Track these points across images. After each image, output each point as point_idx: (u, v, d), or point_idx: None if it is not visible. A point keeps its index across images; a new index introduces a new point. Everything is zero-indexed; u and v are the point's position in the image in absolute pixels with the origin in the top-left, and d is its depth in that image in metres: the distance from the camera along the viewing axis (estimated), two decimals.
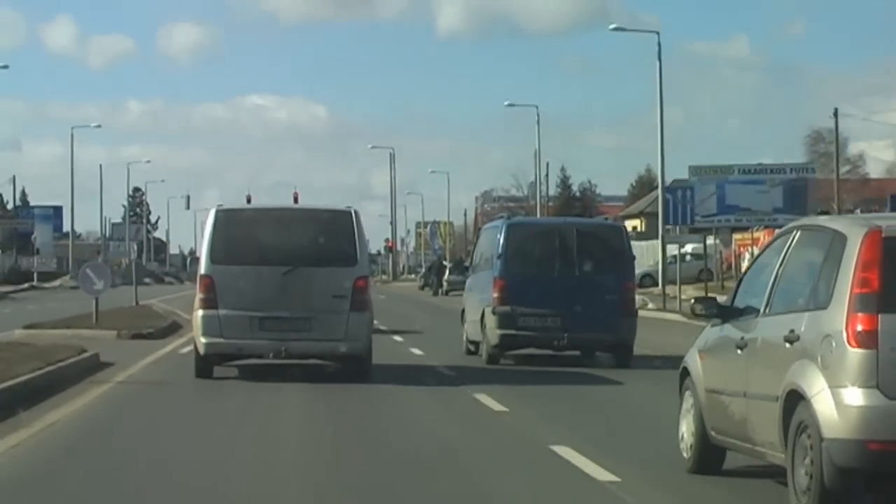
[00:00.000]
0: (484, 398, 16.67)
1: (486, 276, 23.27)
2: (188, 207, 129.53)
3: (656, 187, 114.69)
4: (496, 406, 15.98)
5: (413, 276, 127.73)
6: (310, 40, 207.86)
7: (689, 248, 58.68)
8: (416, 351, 25.19)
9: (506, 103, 79.32)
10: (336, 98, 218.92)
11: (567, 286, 22.33)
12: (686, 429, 11.14)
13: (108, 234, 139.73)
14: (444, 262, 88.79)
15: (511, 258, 22.62)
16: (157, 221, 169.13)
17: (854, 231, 9.09)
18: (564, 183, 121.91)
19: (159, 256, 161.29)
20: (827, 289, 9.06)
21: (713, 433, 10.65)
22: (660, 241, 58.73)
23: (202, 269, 19.23)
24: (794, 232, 10.15)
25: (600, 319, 22.05)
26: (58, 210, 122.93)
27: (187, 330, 25.99)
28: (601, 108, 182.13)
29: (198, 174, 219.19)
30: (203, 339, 18.79)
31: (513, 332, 22.25)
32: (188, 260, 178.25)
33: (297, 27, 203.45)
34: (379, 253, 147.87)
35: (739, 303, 10.59)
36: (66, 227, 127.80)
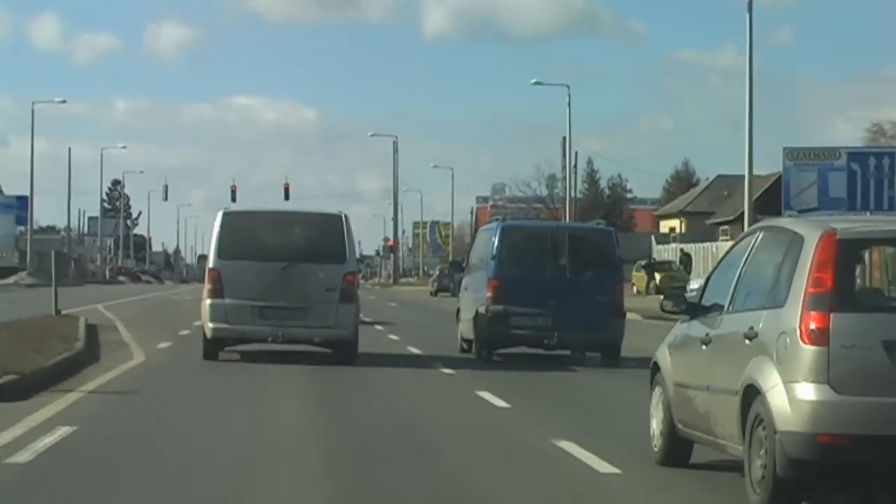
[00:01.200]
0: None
1: (481, 277, 24.01)
2: (165, 198, 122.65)
3: (695, 183, 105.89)
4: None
5: (412, 278, 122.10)
6: (296, 41, 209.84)
7: None
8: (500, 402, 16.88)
9: (532, 81, 71.44)
10: (324, 99, 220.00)
11: (558, 287, 23.03)
12: (655, 421, 11.53)
13: (84, 229, 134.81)
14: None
15: (504, 259, 23.35)
16: (137, 216, 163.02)
17: (811, 233, 9.46)
18: (592, 178, 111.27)
19: (139, 254, 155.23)
20: (784, 288, 9.44)
21: (680, 426, 11.03)
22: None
23: (210, 263, 21.82)
24: (758, 232, 10.54)
25: (589, 320, 22.76)
26: (22, 200, 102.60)
27: (114, 360, 21.37)
28: (589, 114, 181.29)
29: (185, 173, 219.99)
30: (210, 325, 21.39)
31: (505, 330, 22.97)
32: (171, 258, 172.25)
33: (283, 27, 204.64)
34: (378, 253, 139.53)
35: (706, 300, 10.97)
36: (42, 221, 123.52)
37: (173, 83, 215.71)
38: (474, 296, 24.23)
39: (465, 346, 24.84)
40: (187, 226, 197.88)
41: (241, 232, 21.68)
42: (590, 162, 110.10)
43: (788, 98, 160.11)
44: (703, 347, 10.54)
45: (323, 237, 21.74)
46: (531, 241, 24.18)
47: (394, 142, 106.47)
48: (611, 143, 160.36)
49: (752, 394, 9.45)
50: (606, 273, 23.48)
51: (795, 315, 9.16)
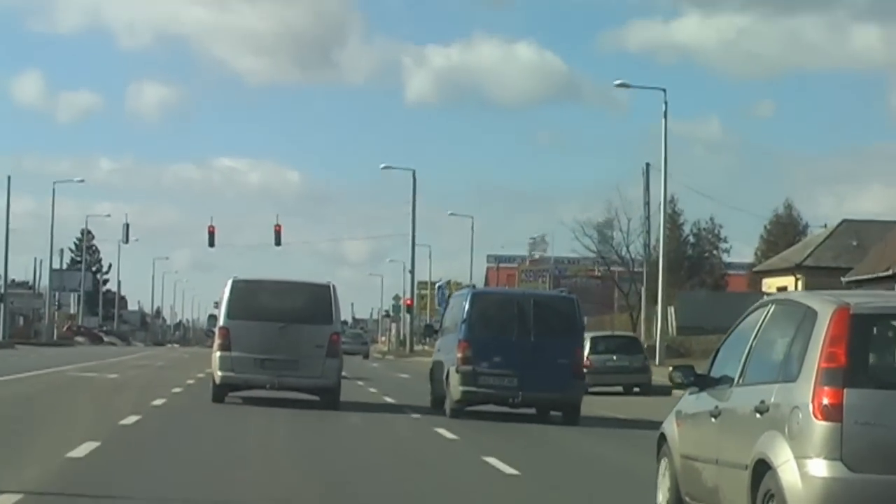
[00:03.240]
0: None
1: (453, 339, 25.82)
2: (126, 241, 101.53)
3: (803, 231, 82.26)
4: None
5: (426, 346, 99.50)
6: (277, 103, 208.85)
7: None
8: None
9: (616, 82, 56.97)
10: (307, 162, 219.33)
11: (523, 350, 24.74)
12: (662, 494, 11.42)
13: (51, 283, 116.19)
14: None
15: (474, 323, 25.16)
16: (107, 270, 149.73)
17: (824, 308, 9.40)
18: (674, 221, 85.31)
19: (109, 312, 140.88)
20: (797, 362, 9.36)
21: (687, 499, 10.93)
22: None
23: (220, 321, 26.00)
24: (770, 305, 10.47)
25: (552, 380, 24.59)
26: None
27: None
28: (575, 182, 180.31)
29: (168, 233, 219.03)
30: (219, 373, 25.43)
31: (473, 389, 24.72)
32: (147, 317, 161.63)
33: (263, 90, 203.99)
34: (387, 314, 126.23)
35: (716, 372, 10.89)
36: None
37: (157, 143, 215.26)
38: (446, 356, 26.02)
39: (439, 403, 26.31)
40: (166, 285, 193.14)
41: (247, 297, 25.71)
42: (672, 201, 78.25)
43: (771, 170, 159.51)
44: (713, 420, 10.44)
45: (314, 303, 25.72)
46: (499, 306, 26.00)
47: (413, 173, 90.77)
48: (593, 208, 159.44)
49: (762, 469, 9.36)
50: (568, 337, 25.23)
51: (808, 390, 9.08)
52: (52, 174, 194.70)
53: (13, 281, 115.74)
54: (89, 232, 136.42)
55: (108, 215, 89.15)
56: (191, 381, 34.78)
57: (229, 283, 26.03)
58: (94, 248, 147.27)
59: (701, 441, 10.67)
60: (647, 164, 60.62)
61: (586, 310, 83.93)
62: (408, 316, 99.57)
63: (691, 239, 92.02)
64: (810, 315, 9.52)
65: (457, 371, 24.74)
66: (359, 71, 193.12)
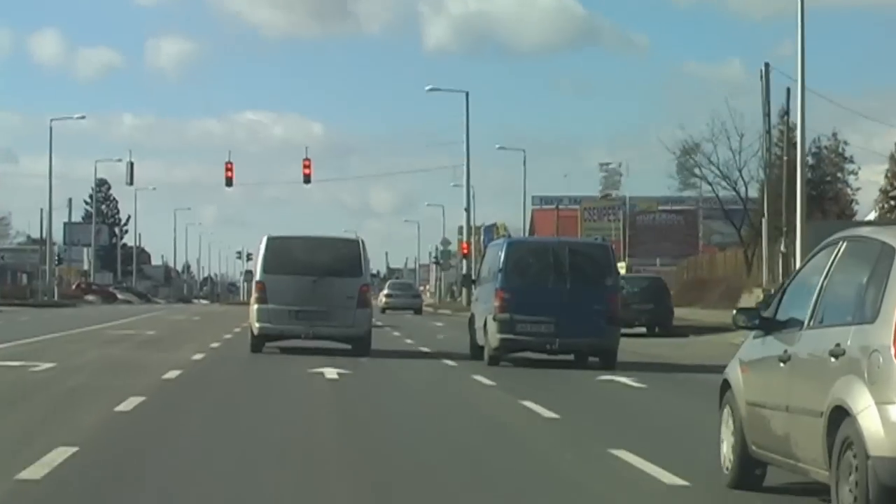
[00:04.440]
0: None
1: (490, 288, 26.14)
2: (131, 182, 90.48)
3: None
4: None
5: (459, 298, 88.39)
6: (296, 56, 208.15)
7: None
8: None
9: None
10: (331, 114, 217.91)
11: (559, 297, 25.07)
12: (726, 443, 10.89)
13: (64, 238, 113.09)
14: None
15: (510, 272, 25.51)
16: (126, 223, 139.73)
17: None
18: (787, 137, 55.60)
19: (128, 268, 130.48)
20: (874, 302, 8.82)
21: (754, 448, 10.40)
22: None
23: (257, 276, 27.29)
24: (840, 243, 9.90)
25: (588, 327, 24.95)
26: None
27: None
28: (596, 128, 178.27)
29: (195, 189, 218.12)
30: (257, 325, 26.80)
31: (511, 336, 25.02)
32: (172, 272, 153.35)
33: (281, 42, 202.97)
34: (436, 260, 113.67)
35: (782, 315, 10.34)
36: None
37: (178, 98, 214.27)
38: (484, 306, 26.36)
39: (477, 352, 26.61)
40: (193, 240, 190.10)
41: (281, 253, 27.14)
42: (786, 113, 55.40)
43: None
44: (782, 365, 9.89)
45: (344, 257, 27.28)
46: (534, 254, 26.43)
47: (466, 95, 78.93)
48: (620, 155, 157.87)
49: (840, 416, 8.83)
50: (603, 284, 25.52)
51: (889, 332, 8.53)
52: (72, 132, 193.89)
53: (28, 237, 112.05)
54: (104, 182, 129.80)
55: (119, 159, 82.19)
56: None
57: (264, 239, 27.56)
58: (112, 198, 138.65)
59: (769, 387, 10.13)
60: (767, 64, 50.79)
61: (665, 250, 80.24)
62: (464, 262, 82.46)
63: (810, 160, 68.76)
64: (887, 251, 8.97)
65: (494, 319, 25.05)
66: (376, 21, 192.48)
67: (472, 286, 30.46)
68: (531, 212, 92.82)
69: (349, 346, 27.01)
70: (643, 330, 42.65)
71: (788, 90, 48.86)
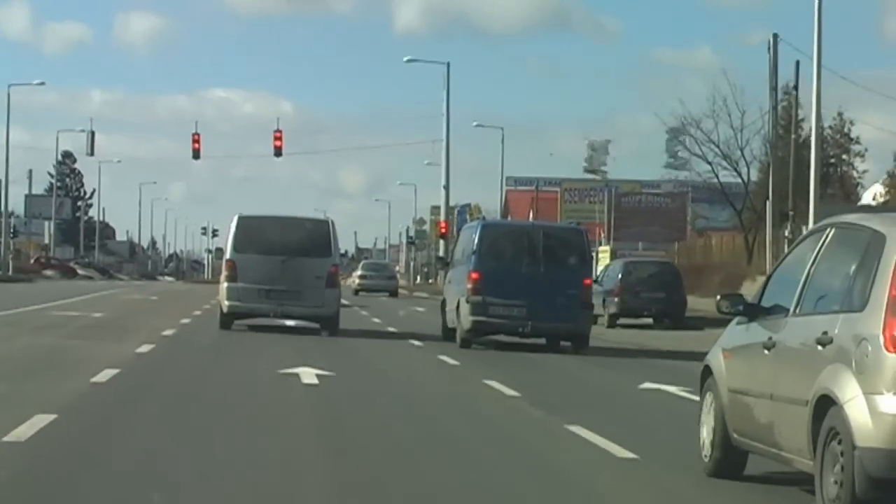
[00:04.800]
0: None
1: (463, 270, 25.90)
2: (91, 153, 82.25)
3: None
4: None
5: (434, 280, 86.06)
6: (267, 34, 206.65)
7: None
8: None
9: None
10: (301, 93, 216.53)
11: (533, 280, 24.87)
12: (706, 430, 10.74)
13: (26, 211, 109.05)
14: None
15: (484, 254, 25.32)
16: (90, 196, 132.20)
17: (894, 231, 8.71)
18: (790, 115, 55.53)
19: (91, 242, 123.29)
20: (863, 291, 8.68)
21: (735, 435, 10.25)
22: None
23: (227, 255, 27.87)
24: (828, 229, 9.76)
25: (561, 311, 24.73)
26: None
27: None
28: (567, 112, 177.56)
29: (163, 165, 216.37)
30: (226, 303, 27.16)
31: (483, 319, 24.83)
32: (136, 248, 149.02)
33: (252, 20, 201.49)
34: (410, 240, 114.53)
35: (767, 301, 10.20)
36: None
37: (147, 74, 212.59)
38: (456, 288, 26.21)
39: (450, 334, 26.48)
40: (161, 217, 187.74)
41: (252, 232, 27.48)
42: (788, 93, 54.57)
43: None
44: (766, 352, 9.75)
45: (313, 237, 27.51)
46: (509, 237, 26.36)
47: (447, 66, 72.79)
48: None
49: (826, 405, 8.69)
50: (577, 268, 25.47)
51: (878, 321, 8.40)
52: (40, 105, 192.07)
53: None
54: (69, 154, 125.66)
55: (83, 130, 79.63)
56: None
57: (235, 218, 27.93)
58: (77, 172, 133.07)
59: (752, 374, 9.98)
60: (776, 35, 46.82)
61: (651, 234, 76.18)
62: (441, 242, 76.38)
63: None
64: (877, 239, 8.82)
65: (467, 301, 24.93)
66: (346, 0, 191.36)
67: (446, 268, 30.34)
68: (505, 193, 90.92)
69: (318, 325, 27.32)
70: (649, 321, 39.20)
71: (798, 63, 46.92)
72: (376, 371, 20.29)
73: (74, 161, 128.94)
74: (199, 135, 72.23)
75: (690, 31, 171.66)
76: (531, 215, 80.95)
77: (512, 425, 13.89)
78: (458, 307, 25.50)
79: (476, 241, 25.57)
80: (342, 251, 59.48)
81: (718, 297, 10.62)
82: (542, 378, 20.22)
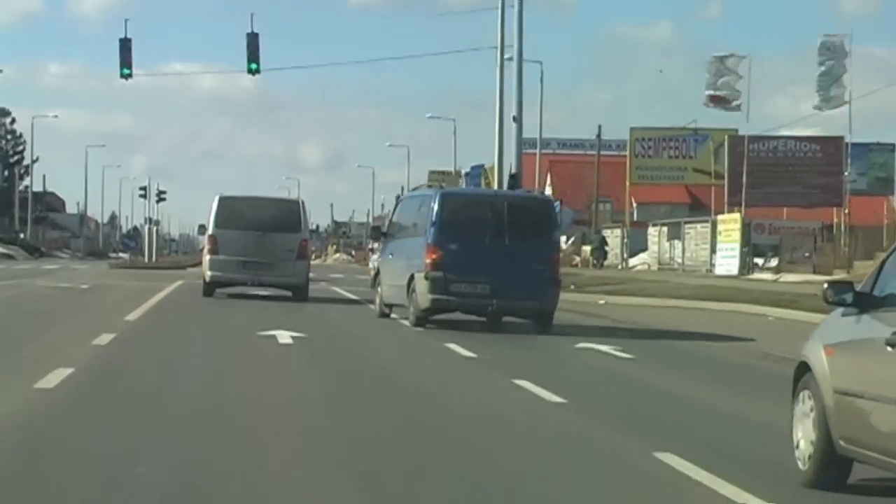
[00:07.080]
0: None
1: (415, 243, 24.11)
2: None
3: None
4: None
5: None
6: (224, 7, 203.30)
7: None
8: None
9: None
10: (261, 67, 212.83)
11: (497, 255, 23.18)
12: (803, 435, 9.47)
13: None
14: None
15: (444, 226, 23.45)
16: (34, 162, 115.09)
17: None
18: None
19: (36, 213, 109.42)
20: None
21: (843, 443, 9.00)
22: None
23: (209, 230, 31.50)
24: None
25: (528, 288, 23.13)
26: None
27: None
28: (526, 88, 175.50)
29: (124, 140, 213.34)
30: (209, 273, 31.19)
31: (444, 297, 23.15)
32: (96, 224, 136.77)
33: None
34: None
35: (880, 290, 8.96)
36: None
37: (103, 47, 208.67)
38: (407, 262, 24.27)
39: (387, 311, 25.59)
40: (116, 190, 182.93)
41: (231, 210, 31.25)
42: None
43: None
44: (889, 349, 8.49)
45: (286, 215, 31.61)
46: (470, 208, 24.45)
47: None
48: (551, 116, 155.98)
49: None
50: (544, 242, 23.90)
51: None
52: None
53: None
54: (5, 111, 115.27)
55: (56, 117, 76.18)
56: None
57: (216, 198, 31.67)
58: (18, 134, 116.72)
59: (870, 375, 8.70)
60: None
61: (793, 197, 58.94)
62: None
63: None
64: None
65: (425, 277, 23.19)
66: None
67: (383, 238, 27.74)
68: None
69: (290, 293, 31.15)
70: None
71: None
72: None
73: (14, 121, 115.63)
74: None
75: (648, 6, 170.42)
76: (547, 180, 76.01)
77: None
78: (410, 283, 23.76)
79: (435, 210, 23.57)
80: (313, 227, 69.48)
81: (825, 284, 9.36)
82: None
